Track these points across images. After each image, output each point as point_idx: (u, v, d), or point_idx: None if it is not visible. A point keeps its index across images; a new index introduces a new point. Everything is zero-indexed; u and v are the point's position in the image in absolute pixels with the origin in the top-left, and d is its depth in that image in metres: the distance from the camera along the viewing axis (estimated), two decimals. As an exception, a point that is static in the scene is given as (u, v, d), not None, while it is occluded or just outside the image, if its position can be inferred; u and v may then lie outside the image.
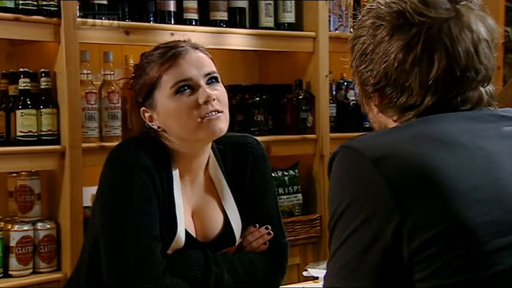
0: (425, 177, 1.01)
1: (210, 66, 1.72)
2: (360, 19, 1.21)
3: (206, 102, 1.66)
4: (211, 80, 1.71)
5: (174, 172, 1.72)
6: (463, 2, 1.14)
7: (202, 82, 1.68)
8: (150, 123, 1.73)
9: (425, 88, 1.12)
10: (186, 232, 1.71)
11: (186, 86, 1.67)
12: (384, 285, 1.02)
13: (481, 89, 1.14)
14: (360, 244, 1.02)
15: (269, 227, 1.82)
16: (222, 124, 1.69)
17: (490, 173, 1.04)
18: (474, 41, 1.12)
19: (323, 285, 1.10)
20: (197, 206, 1.78)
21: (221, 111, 1.69)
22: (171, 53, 1.69)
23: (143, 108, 1.73)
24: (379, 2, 1.17)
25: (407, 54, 1.12)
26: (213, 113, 1.67)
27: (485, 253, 0.99)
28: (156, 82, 1.69)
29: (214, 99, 1.67)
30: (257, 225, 1.82)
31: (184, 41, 1.74)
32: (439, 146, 1.04)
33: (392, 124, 1.18)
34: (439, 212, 0.99)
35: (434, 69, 1.11)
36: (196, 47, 1.73)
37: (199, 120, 1.66)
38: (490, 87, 1.16)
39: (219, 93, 1.70)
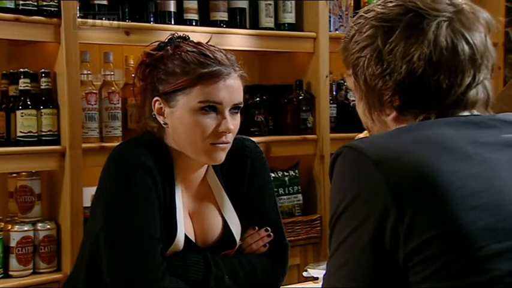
0: (424, 181, 1.01)
1: (240, 96, 1.73)
2: (358, 30, 1.18)
3: (223, 132, 1.68)
4: (235, 109, 1.72)
5: (175, 177, 1.72)
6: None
7: (228, 110, 1.69)
8: (158, 115, 1.71)
9: (454, 76, 1.12)
10: (186, 237, 1.71)
11: (213, 108, 1.67)
12: (381, 286, 1.02)
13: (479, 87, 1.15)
14: (358, 244, 1.02)
15: (269, 229, 1.82)
16: (224, 154, 1.71)
17: (488, 179, 1.04)
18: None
19: (322, 285, 1.10)
20: (195, 210, 1.77)
21: (229, 144, 1.71)
22: (216, 70, 1.68)
23: (157, 98, 1.70)
24: (377, 8, 1.17)
25: (434, 48, 1.11)
26: (222, 145, 1.69)
27: (480, 258, 0.99)
28: (187, 87, 1.67)
29: (230, 132, 1.69)
30: (256, 227, 1.82)
31: (230, 59, 1.74)
32: (439, 151, 1.04)
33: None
34: (436, 215, 0.99)
35: (461, 58, 1.12)
36: (237, 70, 1.73)
37: (208, 144, 1.68)
38: (487, 83, 1.17)
39: (235, 128, 1.72)
